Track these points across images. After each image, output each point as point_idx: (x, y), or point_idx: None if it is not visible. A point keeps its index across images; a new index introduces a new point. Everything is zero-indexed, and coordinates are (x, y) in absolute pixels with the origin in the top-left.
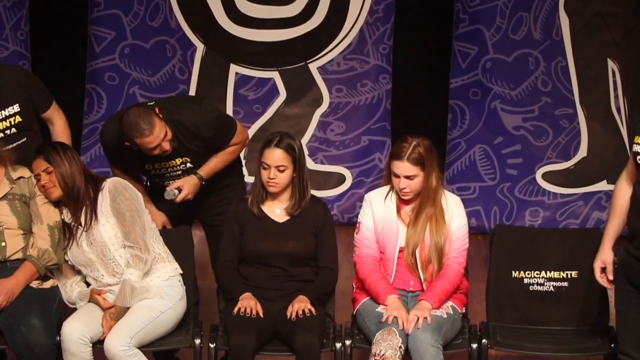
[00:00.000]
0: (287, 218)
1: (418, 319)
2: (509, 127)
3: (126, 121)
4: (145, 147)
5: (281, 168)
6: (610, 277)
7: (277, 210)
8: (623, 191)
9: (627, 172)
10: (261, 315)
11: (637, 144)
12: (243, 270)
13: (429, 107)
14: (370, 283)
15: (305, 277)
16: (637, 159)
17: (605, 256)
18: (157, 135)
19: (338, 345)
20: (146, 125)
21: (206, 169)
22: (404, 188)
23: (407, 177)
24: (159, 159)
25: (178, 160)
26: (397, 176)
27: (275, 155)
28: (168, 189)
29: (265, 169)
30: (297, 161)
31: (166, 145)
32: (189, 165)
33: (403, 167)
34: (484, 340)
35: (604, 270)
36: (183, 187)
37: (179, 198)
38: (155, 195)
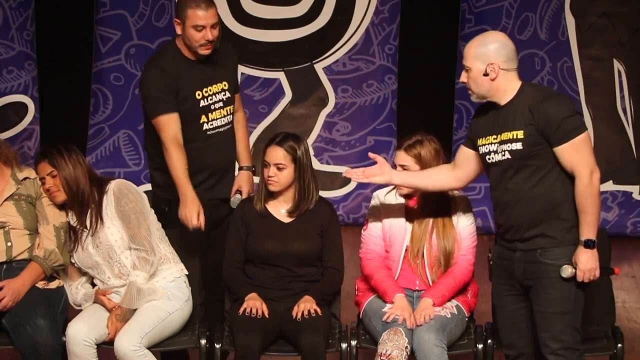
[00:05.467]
0: (292, 218)
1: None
2: None
3: None
4: (196, 23)
5: (280, 166)
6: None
7: (281, 210)
8: (443, 170)
9: (454, 162)
10: (267, 315)
11: (483, 145)
12: (249, 270)
13: (434, 107)
14: (377, 280)
15: (311, 277)
16: (487, 159)
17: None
18: (212, 15)
19: (344, 345)
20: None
21: (244, 156)
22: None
23: (402, 166)
24: (205, 83)
25: (219, 86)
26: (395, 166)
27: (275, 153)
28: (232, 199)
29: (266, 166)
30: (298, 162)
31: (214, 33)
32: (227, 95)
33: (400, 156)
34: (489, 341)
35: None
36: (242, 188)
37: (245, 196)
38: (194, 169)
